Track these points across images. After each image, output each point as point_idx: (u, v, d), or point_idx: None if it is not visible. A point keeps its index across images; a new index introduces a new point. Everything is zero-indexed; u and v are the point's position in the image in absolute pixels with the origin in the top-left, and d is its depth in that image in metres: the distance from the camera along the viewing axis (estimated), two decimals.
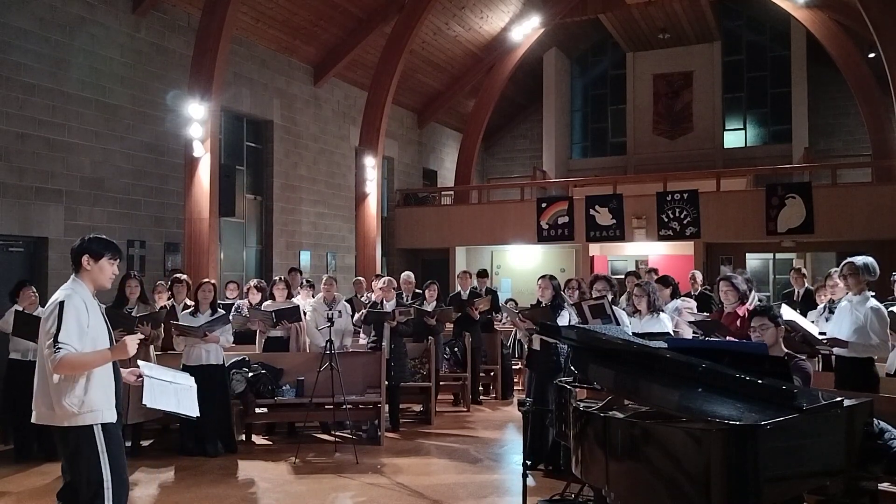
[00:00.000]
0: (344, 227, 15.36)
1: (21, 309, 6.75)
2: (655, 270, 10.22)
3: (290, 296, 8.14)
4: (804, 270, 10.14)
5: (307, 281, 9.41)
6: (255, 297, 8.21)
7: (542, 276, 6.71)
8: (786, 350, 4.27)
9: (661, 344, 3.89)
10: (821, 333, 5.65)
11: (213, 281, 7.66)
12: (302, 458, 6.78)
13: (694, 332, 6.43)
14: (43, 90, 9.19)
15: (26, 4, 9.00)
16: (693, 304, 8.25)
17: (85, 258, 3.68)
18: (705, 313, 7.28)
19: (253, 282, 8.51)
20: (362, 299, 9.48)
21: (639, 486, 3.31)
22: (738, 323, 5.87)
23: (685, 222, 14.42)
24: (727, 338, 5.60)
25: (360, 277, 11.72)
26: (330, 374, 6.75)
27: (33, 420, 3.61)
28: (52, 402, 3.50)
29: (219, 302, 7.57)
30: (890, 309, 5.73)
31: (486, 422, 8.71)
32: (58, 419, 3.52)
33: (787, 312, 5.55)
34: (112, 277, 3.80)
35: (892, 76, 11.94)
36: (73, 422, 3.51)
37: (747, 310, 5.97)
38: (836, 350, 5.46)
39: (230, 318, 7.38)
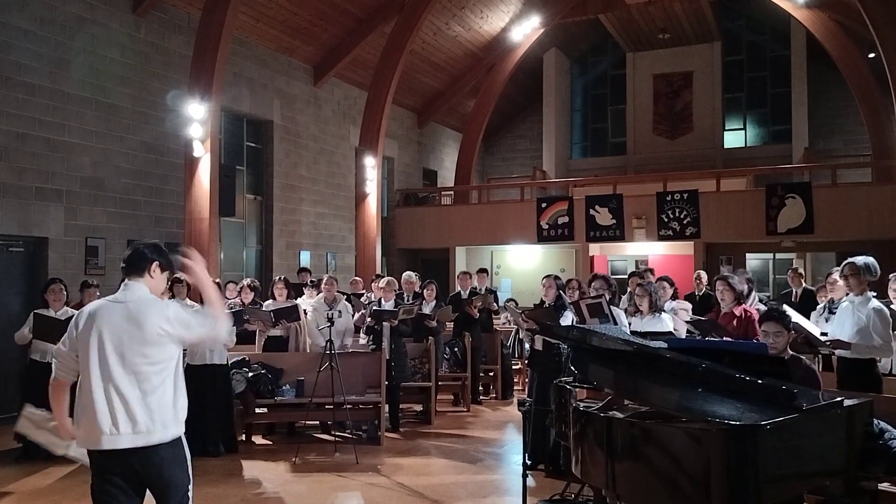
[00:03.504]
0: (344, 227, 15.35)
1: (41, 312, 6.78)
2: (652, 270, 10.21)
3: (289, 295, 8.13)
4: (801, 271, 10.12)
5: (311, 281, 9.40)
6: (248, 296, 8.20)
7: (547, 276, 6.70)
8: (791, 352, 4.26)
9: (662, 344, 3.89)
10: (822, 334, 5.64)
11: (217, 280, 7.65)
12: (302, 458, 6.78)
13: (689, 332, 6.42)
14: (43, 90, 9.19)
15: (26, 4, 9.00)
16: (688, 305, 8.26)
17: (154, 266, 3.34)
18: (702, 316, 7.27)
19: (245, 281, 8.49)
20: (362, 299, 9.48)
21: (639, 486, 3.31)
22: (734, 323, 5.88)
23: (685, 222, 14.42)
24: (724, 338, 5.60)
25: (357, 278, 11.74)
26: (330, 374, 6.75)
27: (128, 445, 3.05)
28: (169, 416, 3.16)
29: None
30: (891, 307, 5.73)
31: (486, 422, 8.71)
32: (169, 433, 3.15)
33: (791, 314, 5.54)
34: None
35: (891, 76, 11.95)
36: (177, 432, 3.20)
37: (744, 309, 5.98)
38: (838, 351, 5.45)
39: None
